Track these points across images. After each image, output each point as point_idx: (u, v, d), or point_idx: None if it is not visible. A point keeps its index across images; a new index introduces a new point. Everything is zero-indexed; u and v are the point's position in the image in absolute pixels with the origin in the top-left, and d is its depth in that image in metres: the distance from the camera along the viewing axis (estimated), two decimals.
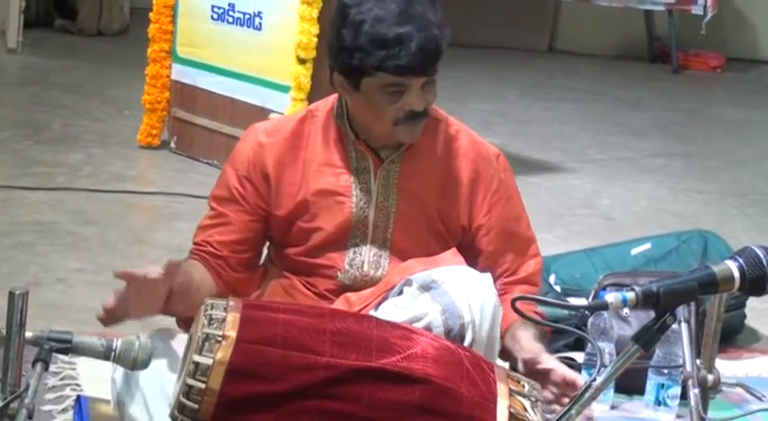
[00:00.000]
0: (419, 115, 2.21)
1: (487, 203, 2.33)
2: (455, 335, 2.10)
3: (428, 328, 2.08)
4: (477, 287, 2.15)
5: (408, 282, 2.18)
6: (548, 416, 2.03)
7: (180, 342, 2.03)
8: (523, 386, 1.98)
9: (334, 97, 2.33)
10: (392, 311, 2.15)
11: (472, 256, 2.32)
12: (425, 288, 2.15)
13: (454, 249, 2.30)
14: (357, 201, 2.28)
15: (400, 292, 2.20)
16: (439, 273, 2.16)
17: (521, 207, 2.40)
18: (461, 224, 2.33)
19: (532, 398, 1.95)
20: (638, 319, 2.70)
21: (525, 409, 1.92)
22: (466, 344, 2.10)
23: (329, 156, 2.29)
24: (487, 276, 2.20)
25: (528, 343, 2.24)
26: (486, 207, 2.33)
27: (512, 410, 1.90)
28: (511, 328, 2.27)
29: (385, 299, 2.22)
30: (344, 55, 2.18)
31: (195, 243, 2.32)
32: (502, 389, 1.92)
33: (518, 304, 1.80)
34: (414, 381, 1.88)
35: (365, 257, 2.29)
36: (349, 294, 2.28)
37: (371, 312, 2.20)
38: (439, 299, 2.12)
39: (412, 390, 1.87)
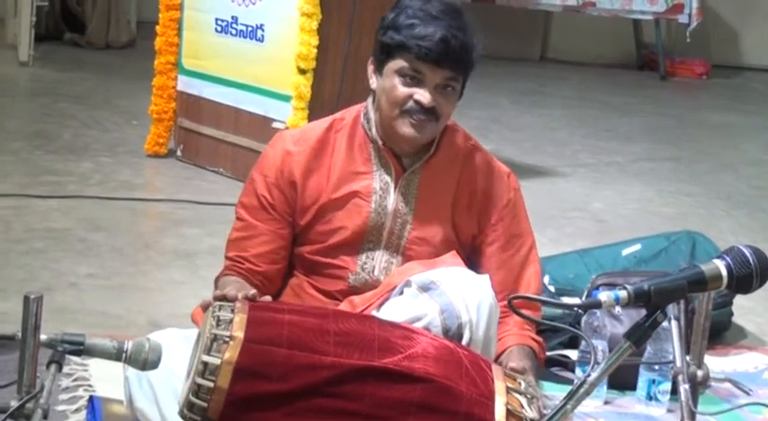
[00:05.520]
0: (424, 111, 2.27)
1: (495, 217, 2.38)
2: (453, 334, 2.14)
3: (427, 328, 2.12)
4: (475, 288, 2.19)
5: (408, 284, 2.23)
6: (544, 411, 2.05)
7: (189, 343, 2.06)
8: (520, 383, 2.02)
9: (360, 106, 2.38)
10: (393, 311, 2.20)
11: (474, 267, 2.36)
12: (424, 289, 2.19)
13: (454, 252, 2.35)
14: (375, 207, 2.33)
15: (401, 293, 2.24)
16: (437, 275, 2.21)
17: (527, 227, 2.44)
18: (471, 233, 2.38)
19: (529, 395, 1.99)
20: (630, 318, 2.72)
21: (522, 406, 1.96)
22: (463, 342, 2.13)
23: (353, 162, 2.34)
24: (485, 278, 2.24)
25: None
26: (493, 220, 2.38)
27: (509, 407, 1.94)
28: (504, 356, 2.30)
29: (387, 300, 2.26)
30: (381, 32, 2.31)
31: (230, 258, 2.33)
32: (499, 387, 1.96)
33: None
34: (415, 380, 1.91)
35: (377, 262, 2.34)
36: (353, 297, 2.32)
37: (374, 312, 2.24)
38: (437, 299, 2.16)
39: (413, 389, 1.91)
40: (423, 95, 2.26)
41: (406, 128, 2.29)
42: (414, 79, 2.26)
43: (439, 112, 2.29)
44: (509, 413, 1.94)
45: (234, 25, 4.34)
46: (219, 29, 4.40)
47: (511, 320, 2.32)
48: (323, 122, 2.43)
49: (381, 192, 2.34)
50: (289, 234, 2.35)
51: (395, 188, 2.34)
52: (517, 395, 1.98)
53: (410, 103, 2.27)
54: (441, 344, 2.02)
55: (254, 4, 4.28)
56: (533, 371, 2.29)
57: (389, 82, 2.28)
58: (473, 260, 2.39)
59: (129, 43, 7.07)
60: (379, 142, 2.34)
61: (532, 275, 2.43)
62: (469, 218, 2.38)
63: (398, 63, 2.26)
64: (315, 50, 4.02)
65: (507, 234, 2.40)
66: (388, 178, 2.34)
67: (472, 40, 2.27)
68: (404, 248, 2.35)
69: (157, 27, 4.59)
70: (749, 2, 8.23)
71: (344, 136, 2.36)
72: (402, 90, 2.27)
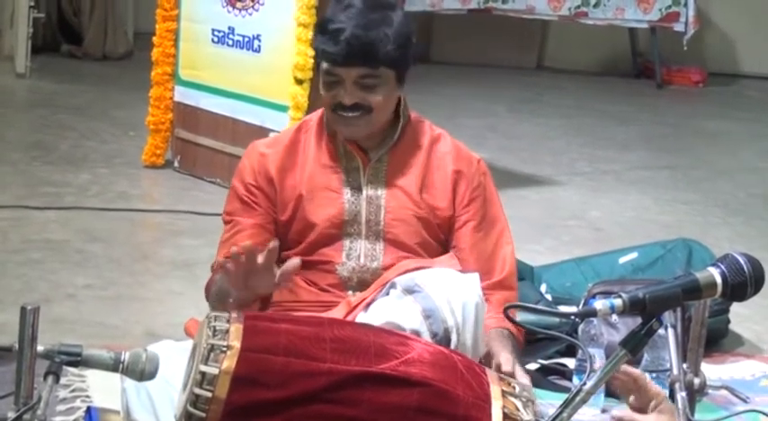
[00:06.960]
0: (350, 108, 2.34)
1: (468, 198, 2.45)
2: (441, 338, 2.16)
3: (416, 333, 2.14)
4: (460, 289, 2.22)
5: (393, 285, 2.26)
6: (540, 420, 2.09)
7: (185, 354, 2.05)
8: (514, 387, 2.04)
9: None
10: (378, 313, 2.22)
11: (451, 246, 2.43)
12: (409, 291, 2.22)
13: (451, 253, 2.41)
14: (348, 198, 2.41)
15: (387, 294, 2.27)
16: (422, 277, 2.24)
17: (500, 210, 2.51)
18: (447, 214, 2.44)
19: (524, 399, 2.01)
20: (627, 326, 2.72)
21: (518, 409, 1.98)
22: (452, 346, 2.16)
23: (322, 156, 2.43)
24: (473, 276, 2.27)
25: (501, 351, 2.31)
26: (466, 200, 2.45)
27: (505, 410, 1.96)
28: (487, 339, 2.33)
29: (374, 300, 2.29)
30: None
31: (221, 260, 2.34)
32: (495, 391, 1.99)
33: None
34: (412, 384, 1.93)
35: (361, 250, 2.40)
36: (349, 298, 2.35)
37: (361, 314, 2.27)
38: (421, 301, 2.19)
39: (411, 393, 1.92)
40: (343, 96, 2.34)
41: (341, 126, 2.39)
42: (333, 82, 2.35)
43: (366, 105, 2.35)
44: (506, 416, 1.96)
45: (230, 36, 4.36)
46: (216, 39, 4.42)
47: (490, 305, 2.36)
48: (293, 126, 2.55)
49: (352, 183, 2.42)
50: (274, 229, 2.43)
51: (364, 177, 2.42)
52: (513, 398, 2.00)
53: (334, 103, 2.36)
54: (436, 349, 2.04)
55: (250, 14, 4.30)
56: (515, 353, 2.32)
57: (320, 84, 2.39)
58: (450, 240, 2.45)
59: (126, 54, 7.08)
60: (343, 137, 2.43)
61: (507, 254, 2.49)
62: (444, 198, 2.44)
63: (323, 67, 2.38)
64: (311, 60, 4.02)
65: (480, 215, 2.46)
66: (356, 169, 2.43)
67: (381, 33, 2.31)
68: (383, 232, 2.41)
69: (154, 38, 4.60)
70: (745, 10, 8.25)
71: (312, 135, 2.46)
72: (325, 93, 2.37)
